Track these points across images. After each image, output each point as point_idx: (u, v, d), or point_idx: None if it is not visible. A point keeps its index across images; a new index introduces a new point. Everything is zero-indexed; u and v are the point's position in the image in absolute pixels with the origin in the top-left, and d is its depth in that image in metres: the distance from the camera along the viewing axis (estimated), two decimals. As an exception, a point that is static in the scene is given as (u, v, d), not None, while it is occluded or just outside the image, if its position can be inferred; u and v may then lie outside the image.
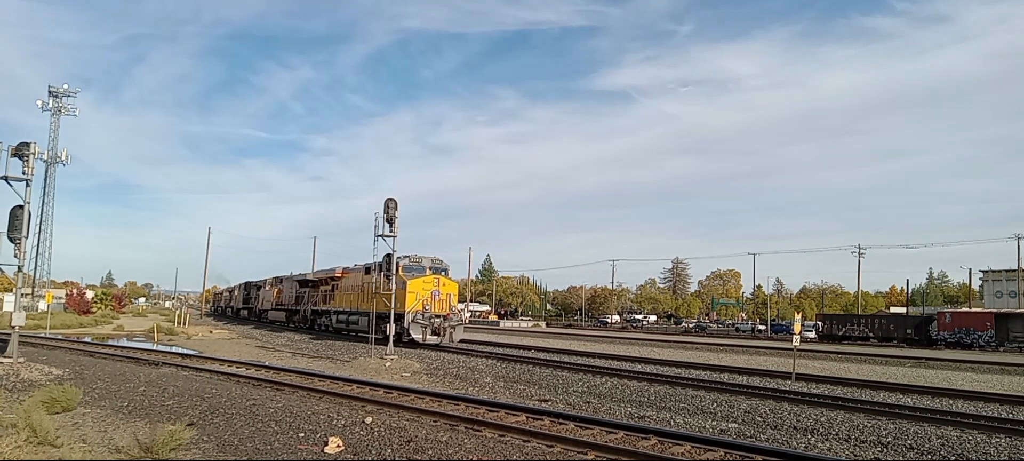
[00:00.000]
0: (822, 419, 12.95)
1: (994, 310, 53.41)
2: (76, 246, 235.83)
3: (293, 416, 11.09)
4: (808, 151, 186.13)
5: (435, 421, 11.26)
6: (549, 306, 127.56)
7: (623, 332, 70.05)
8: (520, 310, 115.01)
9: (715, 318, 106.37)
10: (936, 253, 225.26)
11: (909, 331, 51.52)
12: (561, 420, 11.35)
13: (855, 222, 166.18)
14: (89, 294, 62.82)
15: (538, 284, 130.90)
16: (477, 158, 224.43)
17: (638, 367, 23.29)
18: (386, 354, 23.11)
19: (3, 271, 25.04)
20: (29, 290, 61.46)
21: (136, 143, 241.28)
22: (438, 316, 28.18)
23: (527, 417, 11.68)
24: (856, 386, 19.38)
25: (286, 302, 46.04)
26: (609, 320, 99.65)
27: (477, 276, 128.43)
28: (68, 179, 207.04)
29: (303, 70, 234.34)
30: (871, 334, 53.44)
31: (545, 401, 14.93)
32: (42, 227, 73.94)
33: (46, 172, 73.26)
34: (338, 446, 8.90)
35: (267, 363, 20.96)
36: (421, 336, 27.47)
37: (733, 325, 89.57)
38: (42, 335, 31.08)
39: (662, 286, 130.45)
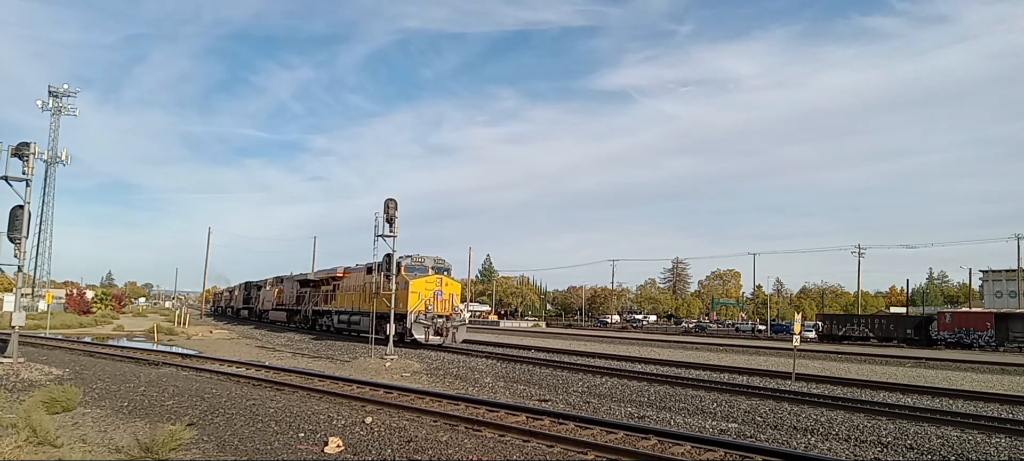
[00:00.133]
0: (822, 419, 12.95)
1: (994, 310, 53.41)
2: (76, 246, 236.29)
3: (293, 416, 11.09)
4: (808, 151, 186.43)
5: (435, 421, 11.25)
6: (549, 306, 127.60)
7: (623, 332, 70.06)
8: (520, 310, 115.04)
9: (715, 318, 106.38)
10: (936, 253, 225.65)
11: (909, 331, 51.52)
12: (561, 420, 11.34)
13: (855, 222, 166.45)
14: (89, 294, 62.80)
15: (538, 284, 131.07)
16: (477, 158, 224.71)
17: (638, 367, 23.29)
18: (386, 354, 23.11)
19: (3, 271, 25.08)
20: (29, 290, 61.47)
21: (136, 143, 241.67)
22: (441, 316, 28.16)
23: (527, 417, 11.67)
24: (856, 386, 19.37)
25: (287, 302, 46.02)
26: (609, 320, 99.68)
27: (477, 276, 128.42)
28: (68, 179, 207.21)
29: (303, 70, 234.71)
30: (871, 334, 53.44)
31: (545, 401, 14.93)
32: (42, 227, 74.07)
33: (46, 172, 73.45)
34: (338, 446, 8.90)
35: (267, 363, 20.96)
36: (424, 336, 27.46)
37: (733, 325, 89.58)
38: (42, 335, 31.08)
39: (662, 286, 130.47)
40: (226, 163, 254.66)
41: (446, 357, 24.73)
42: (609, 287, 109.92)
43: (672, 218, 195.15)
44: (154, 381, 15.46)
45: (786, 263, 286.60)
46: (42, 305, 55.94)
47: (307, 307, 41.48)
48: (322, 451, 8.75)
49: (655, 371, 21.76)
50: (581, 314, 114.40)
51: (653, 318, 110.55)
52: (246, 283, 61.64)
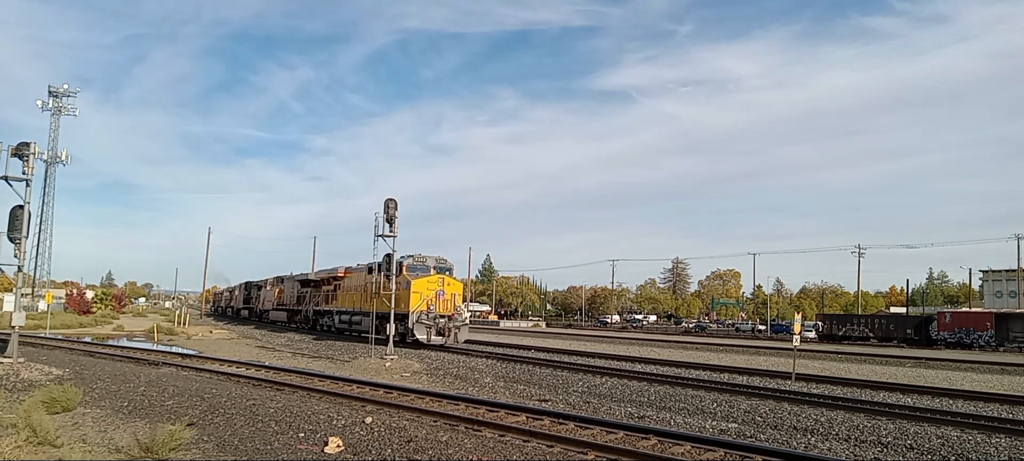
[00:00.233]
0: (822, 419, 12.95)
1: (994, 310, 53.40)
2: (76, 246, 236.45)
3: (293, 416, 11.09)
4: (808, 151, 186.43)
5: (435, 421, 11.25)
6: (549, 306, 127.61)
7: (623, 332, 70.05)
8: (520, 310, 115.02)
9: (715, 318, 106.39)
10: (936, 253, 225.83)
11: (909, 331, 51.52)
12: (561, 420, 11.34)
13: (855, 222, 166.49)
14: (89, 294, 62.82)
15: (538, 284, 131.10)
16: (477, 158, 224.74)
17: (638, 367, 23.29)
18: (386, 354, 23.11)
19: (3, 271, 25.05)
20: (29, 290, 61.45)
21: (136, 143, 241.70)
22: (443, 316, 28.13)
23: (527, 417, 11.68)
24: (856, 386, 19.37)
25: (288, 302, 46.00)
26: (609, 320, 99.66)
27: (477, 276, 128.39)
28: (68, 179, 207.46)
29: (303, 70, 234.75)
30: (871, 334, 53.43)
31: (545, 401, 14.93)
32: (42, 227, 74.07)
33: (46, 172, 73.46)
34: (338, 446, 8.90)
35: (267, 363, 20.97)
36: (426, 336, 27.44)
37: (733, 325, 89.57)
38: (42, 335, 31.09)
39: (662, 286, 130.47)
40: (226, 163, 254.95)
41: (446, 357, 24.73)
42: (609, 287, 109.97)
43: (672, 218, 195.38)
44: (154, 381, 15.46)
45: (786, 263, 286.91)
46: (42, 305, 55.91)
47: (308, 307, 41.47)
48: (322, 451, 8.75)
49: (655, 371, 21.76)
50: (581, 314, 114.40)
51: (653, 318, 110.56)
52: (246, 283, 61.61)
